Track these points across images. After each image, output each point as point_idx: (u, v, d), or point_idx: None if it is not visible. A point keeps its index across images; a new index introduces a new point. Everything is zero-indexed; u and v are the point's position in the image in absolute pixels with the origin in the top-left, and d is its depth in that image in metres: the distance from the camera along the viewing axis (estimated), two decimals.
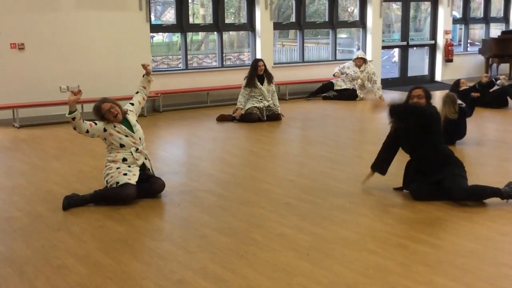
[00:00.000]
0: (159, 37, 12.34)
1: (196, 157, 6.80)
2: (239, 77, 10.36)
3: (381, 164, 5.23)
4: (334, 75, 11.47)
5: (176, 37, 11.84)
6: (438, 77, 13.93)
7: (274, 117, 8.97)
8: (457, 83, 8.26)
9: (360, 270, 3.53)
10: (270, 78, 9.10)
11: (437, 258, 3.72)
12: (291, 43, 14.08)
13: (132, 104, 5.30)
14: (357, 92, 11.24)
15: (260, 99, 8.97)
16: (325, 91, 11.41)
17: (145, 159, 5.14)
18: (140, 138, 5.10)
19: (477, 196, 4.72)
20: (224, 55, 11.42)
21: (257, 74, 8.98)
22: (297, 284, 3.33)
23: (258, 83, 8.98)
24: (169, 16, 12.63)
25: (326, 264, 3.63)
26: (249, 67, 9.37)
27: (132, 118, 5.13)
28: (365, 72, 11.25)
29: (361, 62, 11.30)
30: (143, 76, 5.41)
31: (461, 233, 4.21)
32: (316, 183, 5.52)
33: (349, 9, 13.93)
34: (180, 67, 11.00)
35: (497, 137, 7.76)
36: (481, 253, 3.80)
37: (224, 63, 11.35)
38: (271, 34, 11.46)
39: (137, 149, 5.04)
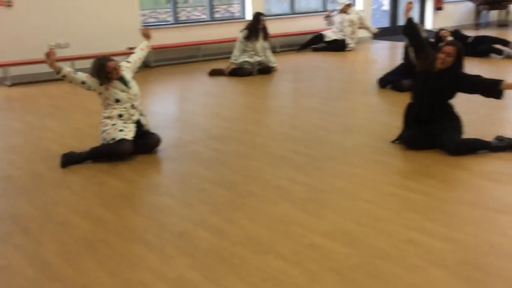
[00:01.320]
0: None
1: (190, 112, 6.87)
2: (230, 31, 10.35)
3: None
4: (326, 16, 11.42)
5: None
6: (428, 25, 13.91)
7: (265, 70, 9.00)
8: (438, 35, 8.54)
9: (354, 219, 3.66)
10: (266, 34, 9.08)
11: (428, 205, 3.86)
12: None
13: (129, 62, 5.34)
14: (347, 42, 11.24)
15: (252, 54, 8.98)
16: (315, 43, 11.42)
17: (141, 115, 5.20)
18: (135, 94, 5.15)
19: (468, 150, 4.83)
20: (213, 8, 11.32)
21: (257, 28, 8.95)
22: (293, 233, 3.47)
23: (255, 38, 8.96)
24: None
25: (321, 213, 3.76)
26: (240, 19, 9.33)
27: (127, 74, 5.17)
28: (354, 13, 11.30)
29: (347, 8, 11.28)
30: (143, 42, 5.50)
31: (451, 180, 4.34)
32: (309, 135, 5.62)
33: None
34: (169, 21, 10.92)
35: None
36: (470, 199, 3.94)
37: (213, 16, 11.27)
38: None
39: (132, 105, 5.10)
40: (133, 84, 5.16)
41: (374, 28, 11.67)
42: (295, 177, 4.47)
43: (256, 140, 5.55)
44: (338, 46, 11.21)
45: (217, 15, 11.56)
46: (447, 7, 13.95)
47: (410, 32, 5.26)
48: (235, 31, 9.37)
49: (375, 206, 3.84)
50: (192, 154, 5.16)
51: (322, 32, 11.40)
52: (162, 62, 10.24)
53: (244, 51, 9.00)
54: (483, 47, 9.61)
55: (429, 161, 4.71)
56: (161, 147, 5.24)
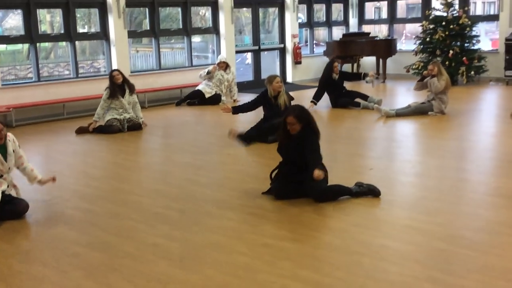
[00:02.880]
0: (2, 45, 11.67)
1: (58, 173, 6.65)
2: (95, 87, 10.24)
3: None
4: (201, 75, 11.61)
5: (22, 45, 11.34)
6: (289, 78, 14.69)
7: (135, 127, 8.97)
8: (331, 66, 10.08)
9: (231, 272, 3.77)
10: (131, 89, 9.04)
11: (299, 252, 4.07)
12: (145, 49, 14.10)
13: (21, 153, 5.17)
14: (222, 96, 11.52)
15: (121, 111, 8.91)
16: (193, 98, 11.50)
17: (10, 186, 5.03)
18: (9, 168, 4.98)
19: (332, 196, 5.15)
20: (77, 63, 11.15)
21: (116, 85, 8.88)
22: None
23: (119, 96, 8.90)
24: (12, 23, 12.06)
25: (198, 269, 3.83)
26: (106, 75, 9.27)
27: (10, 146, 4.98)
28: (232, 74, 11.67)
29: (224, 65, 11.61)
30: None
31: (318, 227, 4.62)
32: (182, 190, 5.69)
33: (200, 12, 14.20)
34: (31, 78, 10.59)
35: (347, 134, 8.43)
36: (337, 244, 4.20)
37: (78, 71, 11.09)
38: (126, 42, 11.42)
39: (1, 176, 4.92)
40: (11, 158, 4.97)
41: (236, 95, 11.90)
42: (171, 233, 4.50)
43: (129, 198, 5.52)
44: (212, 99, 11.40)
45: (81, 71, 11.39)
46: (305, 61, 14.86)
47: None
48: (101, 87, 9.29)
49: (250, 258, 3.98)
50: (61, 216, 5.01)
51: (200, 88, 11.51)
52: (25, 121, 9.85)
53: (111, 108, 8.92)
54: (346, 100, 10.30)
55: (297, 209, 4.96)
56: (29, 211, 5.04)
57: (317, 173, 4.85)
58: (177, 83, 12.00)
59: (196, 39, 13.90)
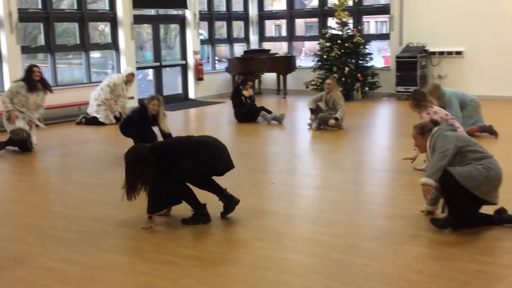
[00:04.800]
0: None
1: None
2: None
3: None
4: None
5: None
6: (191, 95, 14.67)
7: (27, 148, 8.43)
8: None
9: None
10: (49, 88, 8.56)
11: (202, 269, 4.05)
12: (41, 64, 13.54)
13: None
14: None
15: (24, 110, 8.36)
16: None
17: None
18: None
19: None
20: None
21: (33, 80, 8.34)
22: None
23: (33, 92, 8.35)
24: None
25: None
26: None
27: None
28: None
29: (131, 77, 11.11)
30: None
31: (221, 243, 4.62)
32: (80, 211, 5.50)
33: (99, 28, 13.90)
34: None
35: (249, 150, 8.52)
36: (239, 259, 4.23)
37: None
38: (19, 58, 10.92)
39: None
40: None
41: (126, 110, 11.37)
42: (68, 256, 4.34)
43: (24, 220, 5.26)
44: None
45: None
46: (207, 78, 14.90)
47: None
48: None
49: (152, 278, 3.91)
50: None
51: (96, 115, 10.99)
52: None
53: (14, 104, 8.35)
54: (250, 115, 10.46)
55: (200, 225, 4.93)
56: None
57: None
58: (75, 100, 11.61)
59: (95, 54, 13.57)
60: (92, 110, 11.05)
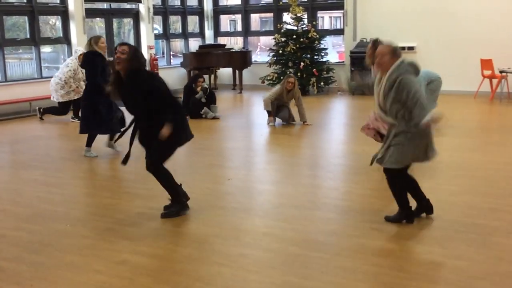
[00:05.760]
0: None
1: None
2: None
3: None
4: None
5: None
6: None
7: None
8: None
9: None
10: None
11: (158, 267, 4.01)
12: None
13: None
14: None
15: None
16: (54, 109, 10.64)
17: None
18: None
19: (158, 176, 4.92)
20: None
21: None
22: None
23: None
24: None
25: None
26: None
27: None
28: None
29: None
30: None
31: (177, 240, 4.58)
32: (33, 210, 5.36)
33: (50, 22, 13.56)
34: None
35: (205, 145, 8.47)
36: (196, 256, 4.20)
37: None
38: None
39: None
40: None
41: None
42: (21, 256, 4.22)
43: None
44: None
45: None
46: (162, 73, 14.71)
47: None
48: None
49: (107, 276, 3.85)
50: None
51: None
52: None
53: None
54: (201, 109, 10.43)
55: (155, 223, 4.87)
56: None
57: (164, 131, 4.66)
58: (26, 96, 11.31)
59: (46, 49, 13.24)
60: (55, 98, 10.58)
